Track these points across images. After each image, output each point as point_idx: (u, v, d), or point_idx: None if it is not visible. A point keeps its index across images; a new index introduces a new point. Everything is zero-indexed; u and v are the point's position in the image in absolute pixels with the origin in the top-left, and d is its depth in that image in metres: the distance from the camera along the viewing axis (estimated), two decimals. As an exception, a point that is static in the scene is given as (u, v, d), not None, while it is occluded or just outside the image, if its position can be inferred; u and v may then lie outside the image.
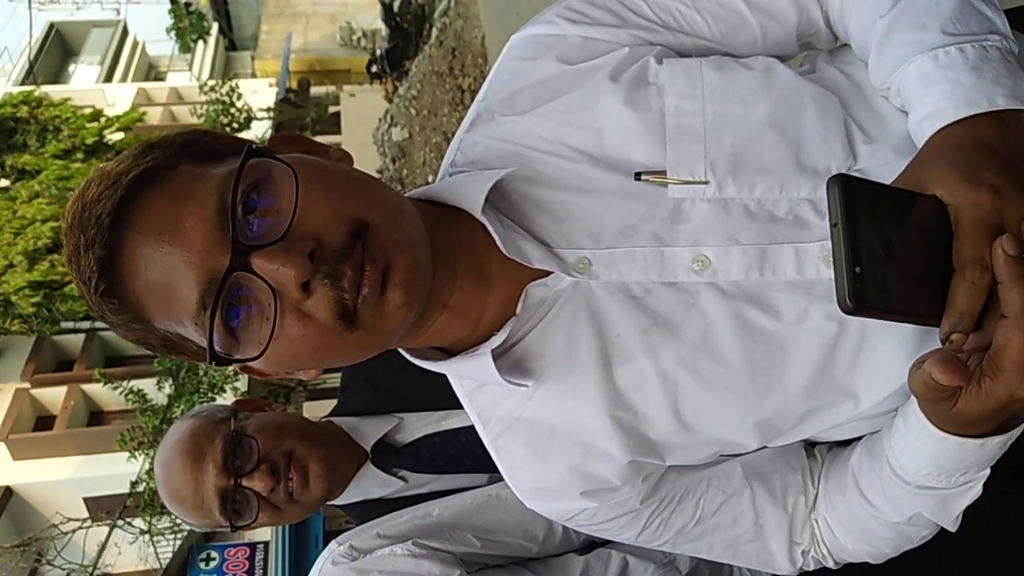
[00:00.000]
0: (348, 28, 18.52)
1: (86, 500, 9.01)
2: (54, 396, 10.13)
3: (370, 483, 1.29)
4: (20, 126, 10.72)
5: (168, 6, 20.32)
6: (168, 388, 7.98)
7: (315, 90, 16.62)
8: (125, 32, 20.07)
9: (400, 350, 0.76)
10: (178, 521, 6.47)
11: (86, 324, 9.95)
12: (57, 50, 18.99)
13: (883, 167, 0.69)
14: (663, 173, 0.71)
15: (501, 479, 0.81)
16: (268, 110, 14.02)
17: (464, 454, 1.29)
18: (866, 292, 0.53)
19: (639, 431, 0.74)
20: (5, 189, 10.12)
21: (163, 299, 0.62)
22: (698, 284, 0.70)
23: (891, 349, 0.70)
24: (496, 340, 0.71)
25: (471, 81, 6.89)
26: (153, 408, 7.75)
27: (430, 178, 7.35)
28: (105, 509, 8.20)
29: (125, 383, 7.95)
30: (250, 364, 0.65)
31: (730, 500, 0.81)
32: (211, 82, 13.43)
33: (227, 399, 7.59)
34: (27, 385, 10.15)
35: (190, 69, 19.12)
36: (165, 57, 21.00)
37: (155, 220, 0.61)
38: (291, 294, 0.61)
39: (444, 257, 0.69)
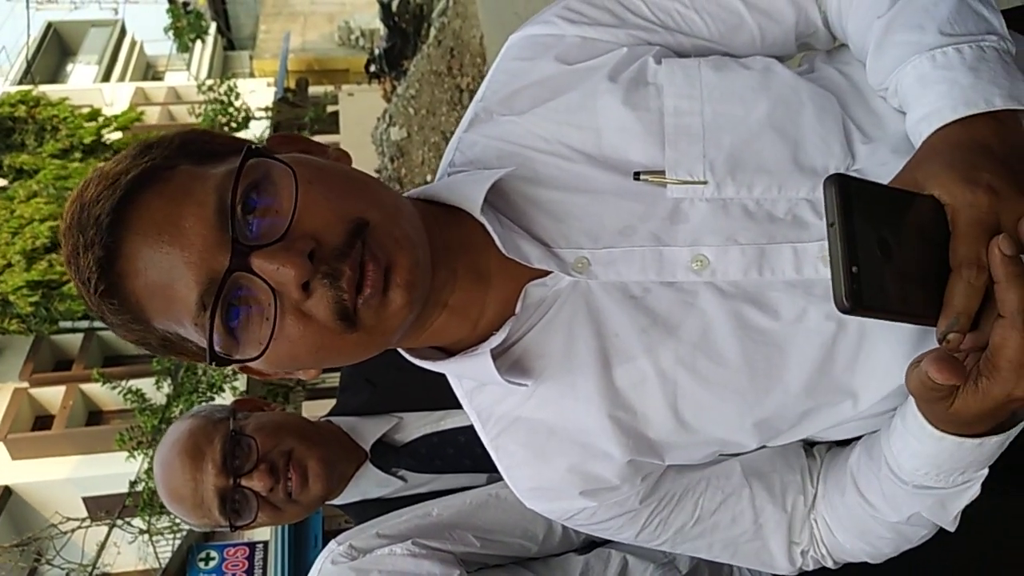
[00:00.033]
0: (346, 28, 18.50)
1: (85, 500, 9.01)
2: (53, 396, 10.13)
3: (369, 483, 1.29)
4: (18, 125, 10.72)
5: (166, 6, 20.30)
6: (167, 388, 7.98)
7: (313, 90, 16.60)
8: (123, 32, 20.05)
9: (399, 350, 0.76)
10: (177, 521, 6.47)
11: (84, 323, 9.94)
12: (55, 49, 18.96)
13: (881, 167, 0.69)
14: (662, 173, 0.71)
15: (500, 479, 0.81)
16: (266, 110, 14.01)
17: (463, 454, 1.29)
18: (863, 292, 0.53)
19: (638, 431, 0.74)
20: (3, 188, 10.11)
21: (162, 300, 0.62)
22: (697, 284, 0.70)
23: (890, 348, 0.70)
24: (495, 340, 0.71)
25: (469, 81, 6.89)
26: (152, 408, 7.75)
27: (428, 177, 7.34)
28: (104, 509, 8.21)
29: (124, 383, 7.95)
30: (250, 364, 0.65)
31: (729, 499, 0.81)
32: (209, 82, 13.42)
33: (226, 399, 7.59)
34: (26, 385, 10.14)
35: (188, 69, 19.11)
36: (163, 56, 20.98)
37: (154, 220, 0.61)
38: (291, 294, 0.61)
39: (443, 257, 0.69)
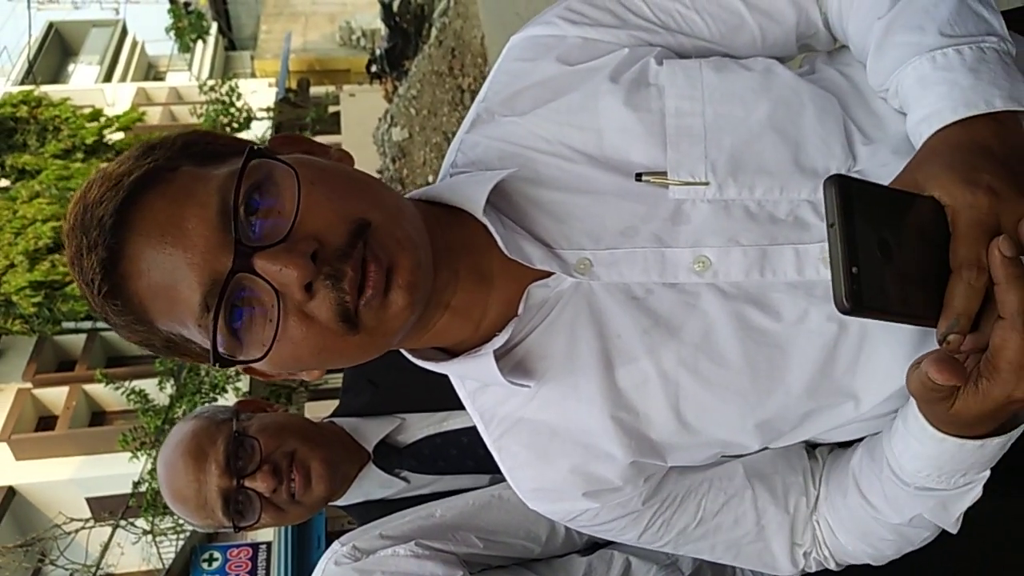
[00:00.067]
0: (347, 28, 18.50)
1: (89, 500, 9.01)
2: (56, 396, 10.14)
3: (372, 484, 1.29)
4: (20, 126, 10.72)
5: (167, 6, 20.31)
6: (170, 388, 7.98)
7: (315, 90, 16.61)
8: (124, 32, 20.06)
9: (402, 351, 0.76)
10: (181, 521, 6.48)
11: (87, 324, 9.94)
12: (56, 50, 18.98)
13: (882, 168, 0.69)
14: (663, 174, 0.71)
15: (503, 480, 0.81)
16: (268, 110, 14.01)
17: (466, 455, 1.29)
18: (863, 292, 0.53)
19: (640, 432, 0.74)
20: (5, 189, 10.12)
21: (166, 301, 0.62)
22: (699, 285, 0.70)
23: (891, 350, 0.70)
24: (498, 341, 0.71)
25: (471, 81, 6.89)
26: (155, 408, 7.76)
27: (430, 178, 7.35)
28: (108, 509, 8.21)
29: (127, 383, 7.96)
30: (253, 365, 0.65)
31: (732, 501, 0.81)
32: (211, 82, 13.43)
33: (229, 399, 7.59)
34: (29, 385, 10.15)
35: (189, 69, 19.12)
36: (164, 57, 20.99)
37: (157, 222, 0.61)
38: (294, 295, 0.61)
39: (445, 258, 0.69)
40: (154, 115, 15.28)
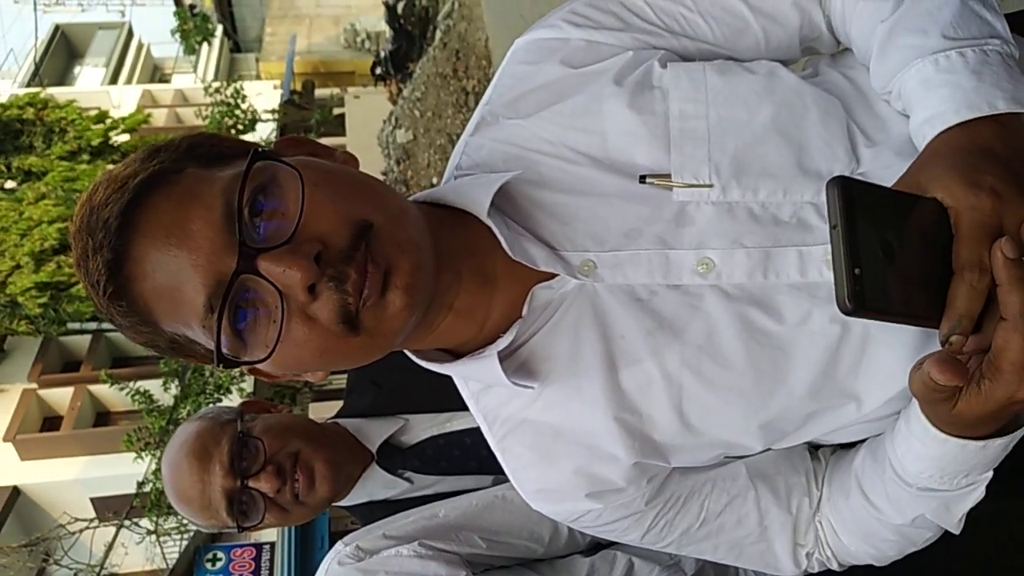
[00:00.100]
0: (352, 30, 18.53)
1: (93, 500, 9.03)
2: (61, 397, 10.16)
3: (375, 484, 1.29)
4: (26, 128, 10.76)
5: (173, 8, 20.37)
6: (174, 389, 8.00)
7: (319, 92, 16.64)
8: (130, 34, 20.13)
9: (406, 352, 0.76)
10: (184, 521, 6.48)
11: (93, 325, 9.97)
12: (62, 52, 19.05)
13: (885, 170, 0.69)
14: (667, 176, 0.71)
15: (506, 480, 0.81)
16: (273, 112, 14.03)
17: (469, 456, 1.29)
18: (865, 293, 0.53)
19: (644, 433, 0.74)
20: (11, 191, 10.15)
21: (170, 302, 0.63)
22: (702, 287, 0.71)
23: (893, 351, 0.70)
24: (503, 342, 0.71)
25: (475, 83, 6.90)
26: (159, 409, 7.78)
27: (434, 180, 7.35)
28: (112, 509, 8.23)
29: (131, 384, 7.98)
30: (257, 366, 0.65)
31: (735, 501, 0.81)
32: (216, 84, 13.45)
33: (233, 400, 7.60)
34: (34, 386, 10.17)
35: (195, 71, 19.16)
36: (170, 59, 21.05)
37: (162, 223, 0.62)
38: (297, 297, 0.61)
39: (449, 259, 0.69)
40: (159, 117, 15.33)
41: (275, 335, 0.62)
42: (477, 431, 0.81)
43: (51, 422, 10.09)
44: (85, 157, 10.58)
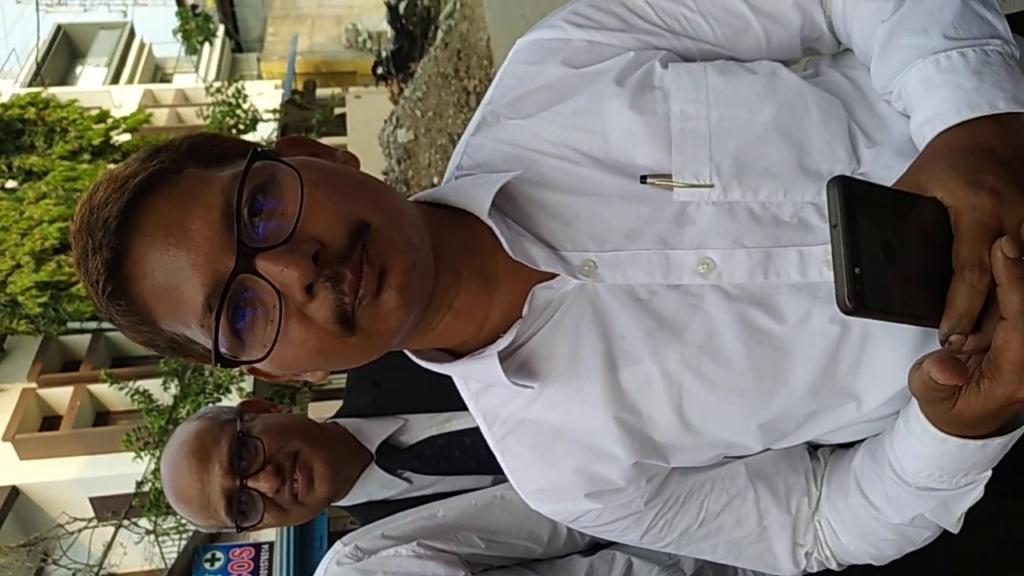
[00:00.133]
0: (354, 30, 18.54)
1: (92, 500, 9.03)
2: (60, 396, 10.16)
3: (375, 484, 1.29)
4: (27, 127, 10.76)
5: (175, 8, 20.38)
6: (174, 388, 8.00)
7: (321, 92, 16.65)
8: (132, 34, 20.15)
9: (406, 352, 0.76)
10: (183, 521, 6.48)
11: (93, 324, 9.97)
12: (64, 52, 19.07)
13: (886, 170, 0.69)
14: (668, 177, 0.71)
15: (505, 481, 0.81)
16: (274, 112, 14.03)
17: (468, 456, 1.29)
18: (865, 293, 0.53)
19: (644, 433, 0.74)
20: (12, 190, 10.16)
21: (169, 301, 0.63)
22: (703, 287, 0.71)
23: (893, 351, 0.70)
24: (503, 342, 0.71)
25: (476, 83, 6.90)
26: (159, 408, 7.78)
27: (435, 180, 7.36)
28: (111, 509, 8.23)
29: (131, 383, 7.99)
30: (256, 366, 0.65)
31: (734, 501, 0.81)
32: (217, 84, 13.45)
33: (233, 400, 7.60)
34: (34, 385, 10.17)
35: (196, 71, 19.17)
36: (171, 59, 21.07)
37: (161, 223, 0.62)
38: (295, 296, 0.61)
39: (449, 259, 0.69)
40: (161, 117, 15.34)
41: (273, 335, 0.62)
42: (476, 431, 0.81)
43: (50, 421, 10.09)
44: (86, 157, 10.59)
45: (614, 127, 0.72)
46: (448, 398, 0.85)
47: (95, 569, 8.00)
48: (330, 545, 1.16)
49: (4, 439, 9.40)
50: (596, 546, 1.19)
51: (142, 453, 7.53)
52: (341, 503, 1.29)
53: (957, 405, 0.59)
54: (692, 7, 0.76)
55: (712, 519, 0.81)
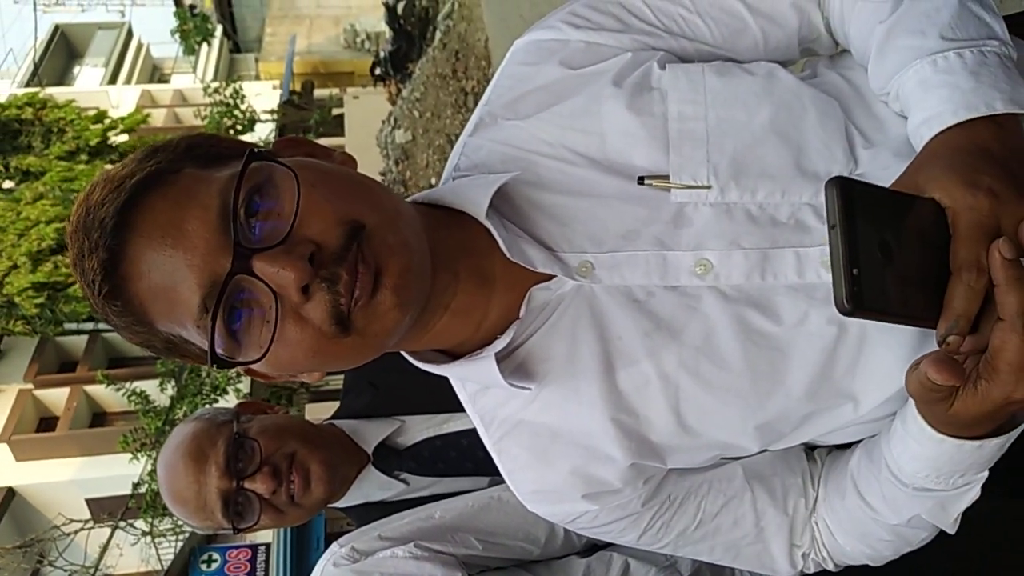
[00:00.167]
0: (352, 31, 18.54)
1: (88, 501, 9.01)
2: (57, 397, 10.14)
3: (371, 486, 1.29)
4: (25, 128, 10.75)
5: (173, 8, 20.37)
6: (171, 390, 7.99)
7: (319, 92, 16.64)
8: (130, 34, 20.14)
9: (403, 353, 0.76)
10: (180, 523, 6.48)
11: (89, 325, 9.96)
12: (62, 52, 19.05)
13: (883, 171, 0.69)
14: (666, 178, 0.71)
15: (502, 482, 0.81)
16: (272, 112, 14.02)
17: (465, 457, 1.29)
18: (863, 293, 0.53)
19: (640, 434, 0.74)
20: (9, 191, 10.14)
21: (166, 302, 0.63)
22: (700, 288, 0.71)
23: (890, 353, 0.70)
24: (500, 343, 0.71)
25: (474, 84, 6.90)
26: (156, 409, 7.76)
27: (433, 180, 7.36)
28: (107, 510, 8.21)
29: (128, 384, 7.96)
30: (252, 367, 0.65)
31: (731, 502, 0.81)
32: (215, 84, 13.44)
33: (230, 401, 7.59)
34: (30, 386, 10.16)
35: (194, 71, 19.17)
36: (169, 59, 21.06)
37: (158, 223, 0.62)
38: (291, 297, 0.61)
39: (446, 260, 0.69)
40: (158, 117, 15.32)
41: (269, 336, 0.62)
42: (474, 432, 0.81)
43: (47, 423, 10.07)
44: (83, 157, 10.57)
45: (611, 128, 0.72)
46: (445, 399, 0.85)
47: (91, 571, 7.98)
48: (327, 546, 1.16)
49: (0, 440, 9.38)
50: (593, 547, 1.18)
51: (139, 454, 7.51)
52: (338, 504, 1.29)
53: (954, 406, 0.59)
54: (690, 8, 0.76)
55: (709, 520, 0.81)
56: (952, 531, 0.75)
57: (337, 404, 1.40)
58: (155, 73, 20.63)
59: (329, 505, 1.27)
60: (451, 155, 0.80)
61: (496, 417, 0.77)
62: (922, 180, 0.58)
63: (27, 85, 14.88)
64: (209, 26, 20.25)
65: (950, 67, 0.63)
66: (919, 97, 0.64)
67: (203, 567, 6.66)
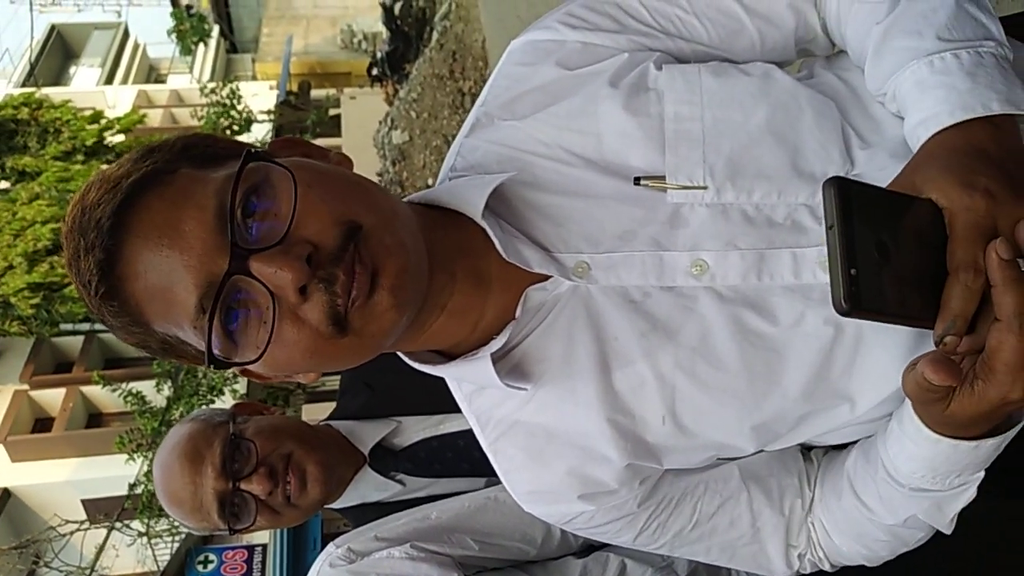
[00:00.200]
0: (349, 31, 18.54)
1: (84, 502, 8.99)
2: (53, 398, 10.13)
3: (368, 486, 1.29)
4: (21, 128, 10.72)
5: (169, 8, 20.34)
6: (167, 390, 7.98)
7: (315, 93, 16.63)
8: (126, 34, 20.10)
9: (399, 354, 0.76)
10: (176, 524, 6.46)
11: (85, 326, 9.94)
12: (58, 52, 19.00)
13: (880, 172, 0.69)
14: (662, 178, 0.71)
15: (498, 483, 0.81)
16: (268, 112, 14.01)
17: (462, 458, 1.29)
18: (861, 294, 0.53)
19: (637, 435, 0.74)
20: (5, 191, 10.12)
21: (162, 302, 0.62)
22: (696, 288, 0.71)
23: (887, 353, 0.70)
24: (496, 344, 0.71)
25: (471, 84, 6.90)
26: (152, 410, 7.75)
27: (430, 181, 7.35)
28: (103, 511, 8.19)
29: (124, 385, 7.95)
30: (248, 367, 0.65)
31: (727, 503, 0.81)
32: (211, 84, 13.42)
33: (226, 402, 7.58)
34: (26, 387, 10.14)
35: (191, 71, 19.13)
36: (166, 59, 21.01)
37: (155, 224, 0.61)
38: (289, 298, 0.61)
39: (443, 260, 0.69)
40: (155, 117, 15.29)
41: (266, 336, 0.62)
42: (470, 433, 0.81)
43: (43, 423, 10.06)
44: (79, 157, 10.55)
45: (608, 128, 0.72)
46: (442, 400, 0.85)
47: (87, 572, 7.96)
48: (323, 547, 1.16)
49: (-4, 441, 9.37)
50: (590, 548, 1.18)
51: (135, 455, 7.50)
52: (334, 505, 1.29)
53: (951, 406, 0.59)
54: (686, 8, 0.76)
55: (705, 521, 0.81)
56: (948, 531, 0.75)
57: (333, 405, 1.40)
58: (151, 73, 20.59)
59: (325, 506, 1.26)
60: (447, 155, 0.80)
61: (492, 418, 0.77)
62: (919, 181, 0.58)
63: (23, 85, 14.84)
64: (206, 26, 20.22)
65: (947, 68, 0.63)
66: (916, 98, 0.65)
67: (199, 568, 6.65)
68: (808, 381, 0.71)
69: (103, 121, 11.32)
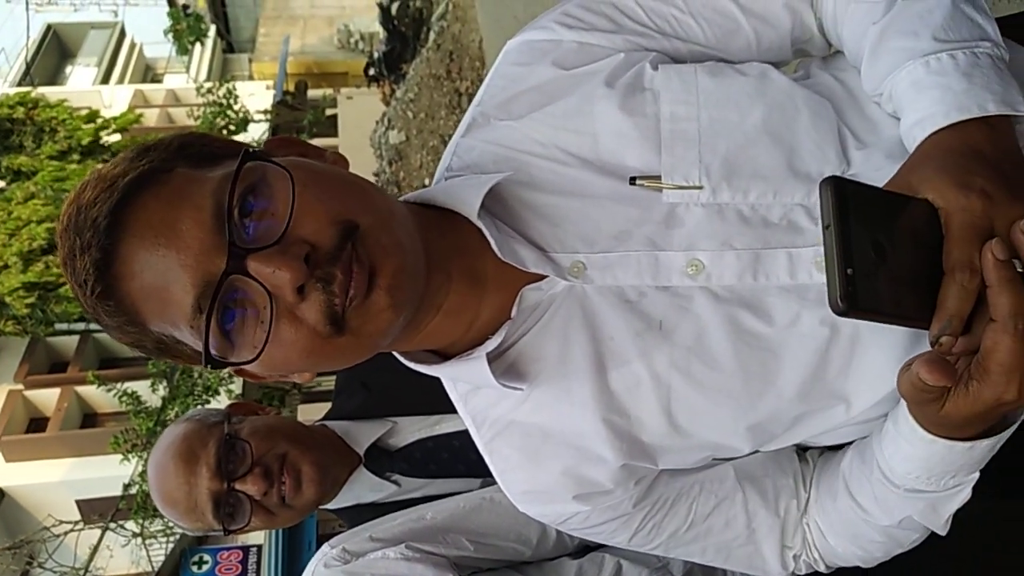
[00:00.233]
0: (346, 31, 18.52)
1: (78, 502, 8.97)
2: (47, 398, 10.10)
3: (363, 487, 1.29)
4: (16, 127, 10.69)
5: (166, 8, 20.29)
6: (162, 390, 7.95)
7: (312, 93, 16.59)
8: (122, 34, 20.05)
9: (395, 353, 0.76)
10: (170, 524, 6.45)
11: (80, 326, 9.91)
12: (54, 51, 18.96)
13: (876, 172, 0.69)
14: (658, 178, 0.71)
15: (494, 484, 0.81)
16: (265, 112, 13.98)
17: (457, 458, 1.29)
18: (857, 293, 0.53)
19: (632, 435, 0.74)
20: (1, 190, 10.09)
21: (158, 302, 0.62)
22: (692, 288, 0.71)
23: (882, 353, 0.70)
24: (491, 344, 0.71)
25: (468, 84, 6.90)
26: (147, 410, 7.73)
27: (427, 181, 7.35)
28: (97, 512, 8.17)
29: (119, 385, 7.93)
30: (245, 367, 0.65)
31: (723, 504, 0.81)
32: (208, 84, 13.39)
33: (221, 402, 7.57)
34: (20, 387, 10.11)
35: (187, 71, 19.09)
36: (162, 59, 20.96)
37: (151, 223, 0.61)
38: (286, 297, 0.61)
39: (439, 260, 0.69)
40: (151, 117, 15.26)
41: (263, 336, 0.61)
42: (465, 434, 0.81)
43: (37, 423, 10.02)
44: (75, 157, 10.52)
45: (604, 128, 0.72)
46: (437, 400, 0.85)
47: (81, 572, 7.94)
48: (318, 548, 1.16)
49: (-10, 441, 9.34)
50: (585, 548, 1.18)
51: (130, 455, 7.48)
52: (329, 506, 1.29)
53: (946, 407, 0.59)
54: (682, 8, 0.76)
55: (701, 521, 0.81)
56: (943, 532, 0.75)
57: (329, 405, 1.40)
58: (148, 73, 20.55)
59: (320, 506, 1.26)
60: (443, 155, 0.80)
61: (487, 417, 0.77)
62: (915, 181, 0.58)
63: (19, 84, 14.79)
64: (202, 26, 20.16)
65: (943, 68, 0.63)
66: (912, 98, 0.65)
67: (194, 568, 6.62)
68: (804, 381, 0.71)
69: (99, 121, 11.30)
